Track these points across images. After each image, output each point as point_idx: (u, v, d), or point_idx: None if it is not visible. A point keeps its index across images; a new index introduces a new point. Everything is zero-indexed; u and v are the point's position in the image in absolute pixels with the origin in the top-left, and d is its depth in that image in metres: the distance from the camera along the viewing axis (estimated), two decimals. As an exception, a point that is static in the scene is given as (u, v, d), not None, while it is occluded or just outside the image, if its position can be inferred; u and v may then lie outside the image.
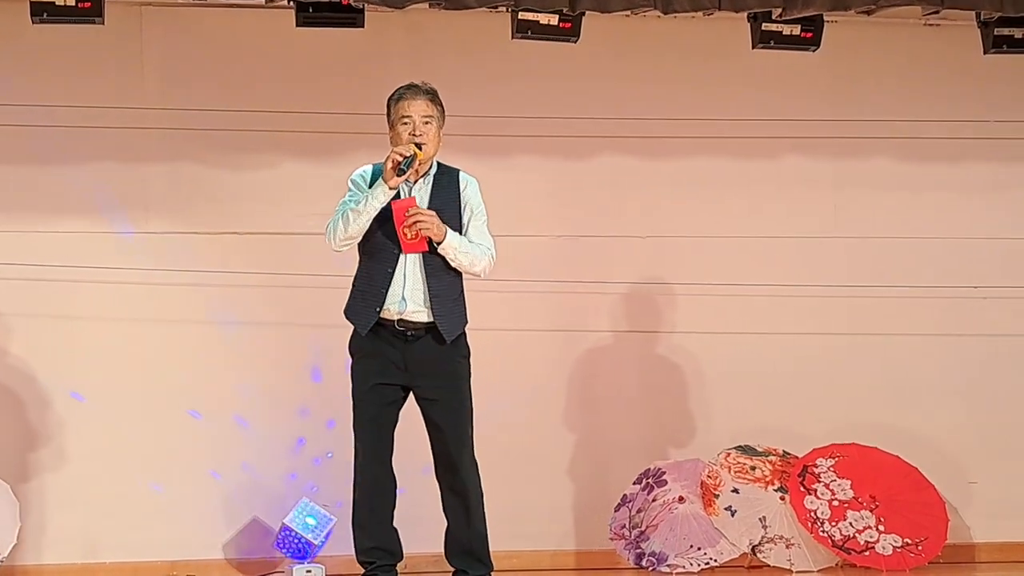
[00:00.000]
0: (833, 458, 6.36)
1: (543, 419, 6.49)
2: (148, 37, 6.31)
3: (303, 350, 6.27)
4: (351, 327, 5.02)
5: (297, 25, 5.89)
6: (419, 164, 4.80)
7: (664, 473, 6.36)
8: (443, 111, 4.92)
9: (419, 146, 4.80)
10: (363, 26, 5.92)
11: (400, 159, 4.73)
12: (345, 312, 4.96)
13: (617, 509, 6.34)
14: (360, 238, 4.87)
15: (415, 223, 4.76)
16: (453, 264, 4.86)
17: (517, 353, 6.41)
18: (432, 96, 4.90)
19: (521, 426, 6.39)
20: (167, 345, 6.29)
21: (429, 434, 4.98)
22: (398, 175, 4.72)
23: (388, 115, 4.92)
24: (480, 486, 4.99)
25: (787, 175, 6.64)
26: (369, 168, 4.95)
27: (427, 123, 4.84)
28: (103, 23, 5.77)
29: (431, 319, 4.86)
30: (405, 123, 4.84)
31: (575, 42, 5.96)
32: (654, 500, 6.26)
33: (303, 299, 6.19)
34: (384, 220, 4.84)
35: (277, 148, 6.35)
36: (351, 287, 4.96)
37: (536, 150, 6.48)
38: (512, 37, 5.95)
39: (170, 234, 6.31)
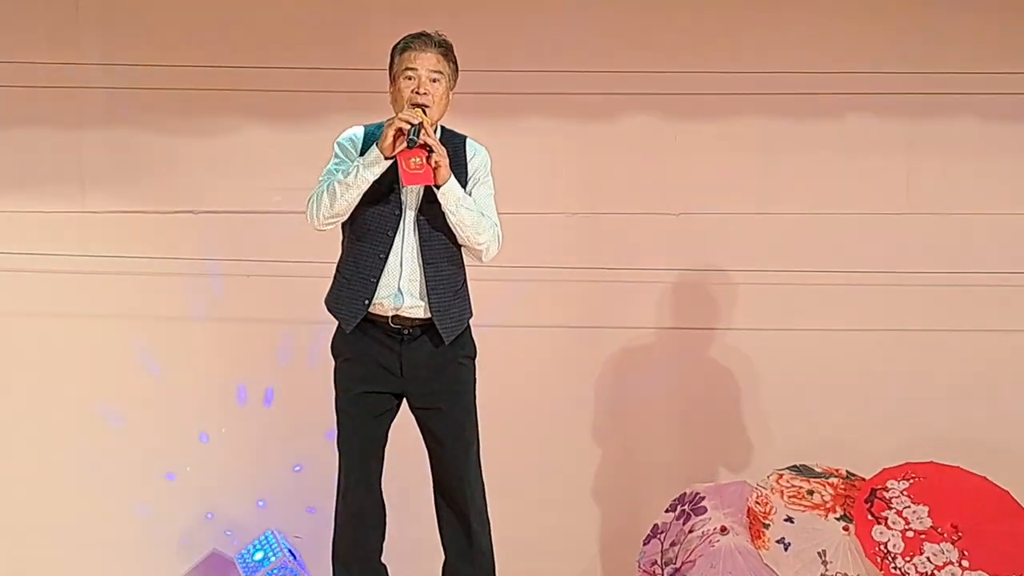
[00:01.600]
0: (907, 480, 5.99)
1: (562, 433, 6.38)
2: (85, -21, 6.28)
3: (270, 349, 6.19)
4: (333, 322, 4.91)
5: (261, -36, 5.93)
6: (425, 131, 4.67)
7: (703, 499, 6.06)
8: (456, 69, 4.84)
9: (424, 108, 4.70)
10: (338, -36, 5.94)
11: (407, 127, 4.60)
12: (327, 303, 4.83)
13: (647, 542, 6.04)
14: (347, 215, 4.73)
15: (424, 145, 4.62)
16: (453, 220, 4.70)
17: (529, 354, 6.29)
18: (445, 50, 4.80)
19: (535, 441, 6.32)
20: (109, 345, 6.21)
21: (428, 448, 4.89)
22: (408, 147, 4.60)
23: (390, 67, 4.82)
24: (486, 511, 4.93)
25: (852, 138, 6.37)
26: (360, 131, 4.84)
27: (435, 81, 4.74)
28: (32, -39, 5.82)
29: (429, 315, 4.77)
30: (409, 77, 4.74)
31: (595, -18, 5.95)
32: (691, 531, 5.96)
33: (271, 290, 6.11)
34: (377, 195, 4.72)
35: (238, 110, 6.21)
36: (335, 273, 4.84)
37: (548, 110, 6.27)
38: (521, -23, 5.96)
39: (111, 213, 6.20)
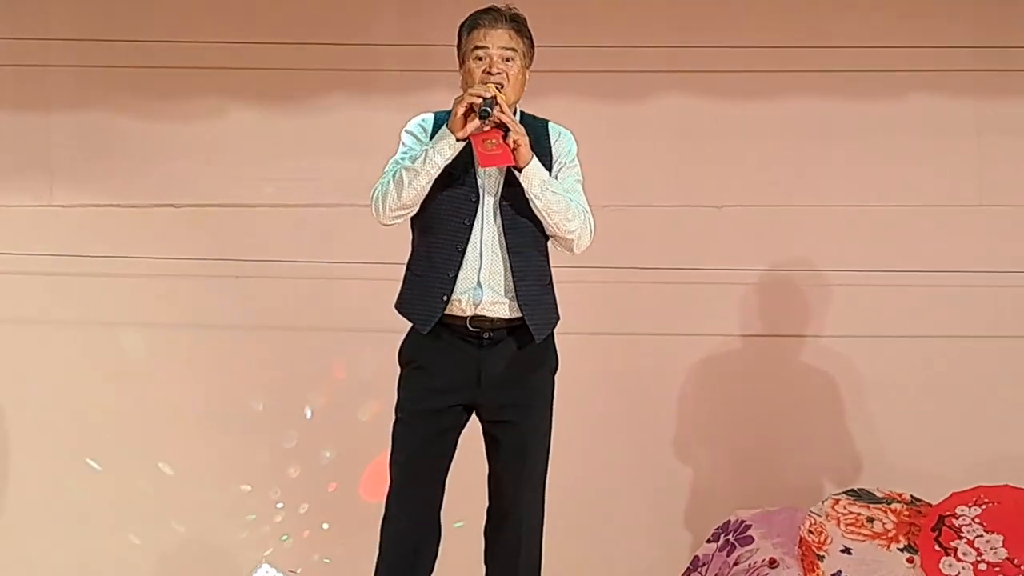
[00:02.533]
0: (980, 505, 5.84)
1: (621, 453, 6.21)
2: (52, -55, 6.28)
3: (262, 360, 6.03)
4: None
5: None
6: (499, 107, 4.52)
7: (749, 527, 5.90)
8: (532, 45, 4.69)
9: (499, 86, 4.56)
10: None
11: (479, 101, 4.43)
12: (398, 306, 4.66)
13: (686, 576, 6.10)
14: (417, 207, 4.55)
15: (500, 122, 4.42)
16: (539, 206, 4.52)
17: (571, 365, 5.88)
18: (517, 26, 4.65)
19: (588, 462, 6.14)
20: (80, 358, 6.08)
21: (489, 464, 4.69)
22: (481, 118, 4.43)
23: (458, 48, 4.69)
24: (540, 547, 4.73)
25: (917, 121, 6.23)
26: (430, 117, 4.68)
27: (508, 60, 4.58)
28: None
29: (517, 314, 4.56)
30: (479, 58, 4.57)
31: (627, -56, 5.87)
32: (736, 564, 5.83)
33: (263, 293, 5.98)
34: (449, 180, 4.55)
35: (225, 90, 6.13)
36: (405, 272, 4.68)
37: (572, 90, 6.12)
38: (545, -62, 5.70)
39: (82, 207, 6.12)
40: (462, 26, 4.67)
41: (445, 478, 4.68)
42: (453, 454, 4.68)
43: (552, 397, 4.71)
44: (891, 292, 6.17)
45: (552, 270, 4.70)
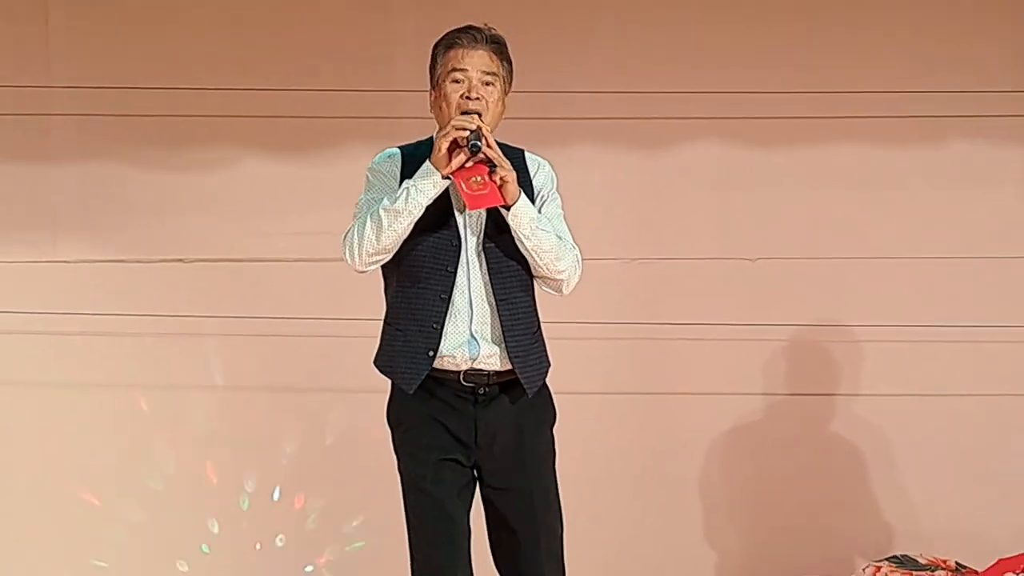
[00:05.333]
0: None
1: (635, 524, 6.14)
2: (55, -11, 6.23)
3: (278, 424, 5.98)
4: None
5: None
6: (486, 140, 4.40)
7: None
8: (511, 69, 4.57)
9: (478, 114, 4.45)
10: (355, -36, 5.90)
11: (467, 134, 4.32)
12: (377, 363, 4.53)
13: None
14: (394, 251, 4.42)
15: (487, 158, 4.30)
16: (528, 246, 4.40)
17: (586, 426, 5.96)
18: (499, 48, 4.52)
19: (601, 535, 6.03)
20: (83, 421, 6.01)
21: (493, 540, 4.54)
22: (472, 152, 4.31)
23: (431, 68, 4.56)
24: None
25: (959, 169, 6.17)
26: (397, 152, 4.55)
27: (488, 84, 4.47)
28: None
29: (508, 366, 4.43)
30: (457, 81, 4.45)
31: (655, -18, 5.86)
32: None
33: (282, 353, 5.93)
34: (427, 223, 4.41)
35: (236, 139, 6.07)
36: (383, 326, 4.53)
37: (600, 137, 6.08)
38: (568, -21, 5.82)
39: (87, 263, 6.07)
40: (437, 45, 4.58)
41: (470, 543, 4.49)
42: (469, 515, 4.52)
43: (555, 453, 4.59)
44: (930, 348, 6.12)
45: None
